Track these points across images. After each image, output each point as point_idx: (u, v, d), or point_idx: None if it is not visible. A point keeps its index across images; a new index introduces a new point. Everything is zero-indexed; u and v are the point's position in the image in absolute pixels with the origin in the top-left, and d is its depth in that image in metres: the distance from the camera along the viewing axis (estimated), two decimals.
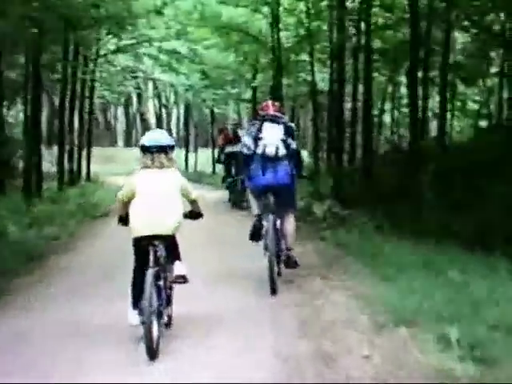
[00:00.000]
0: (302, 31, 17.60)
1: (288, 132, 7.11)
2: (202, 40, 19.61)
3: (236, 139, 14.18)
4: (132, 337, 5.23)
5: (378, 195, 12.09)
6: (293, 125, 7.46)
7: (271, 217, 6.87)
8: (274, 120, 7.13)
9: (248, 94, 27.04)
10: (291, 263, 7.09)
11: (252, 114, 22.33)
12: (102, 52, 23.45)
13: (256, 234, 7.19)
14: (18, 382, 4.47)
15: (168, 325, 5.49)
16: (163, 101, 56.88)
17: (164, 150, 5.40)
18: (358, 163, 15.20)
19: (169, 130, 62.39)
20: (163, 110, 59.25)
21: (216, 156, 16.44)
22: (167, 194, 5.30)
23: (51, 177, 18.30)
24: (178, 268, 5.34)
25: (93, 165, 24.83)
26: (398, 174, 12.38)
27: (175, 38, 20.84)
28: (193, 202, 5.70)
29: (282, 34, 17.80)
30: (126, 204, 5.37)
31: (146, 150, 5.41)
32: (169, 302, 5.46)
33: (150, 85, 40.03)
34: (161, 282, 5.16)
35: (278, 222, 6.97)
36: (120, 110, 52.95)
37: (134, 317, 5.20)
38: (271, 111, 7.29)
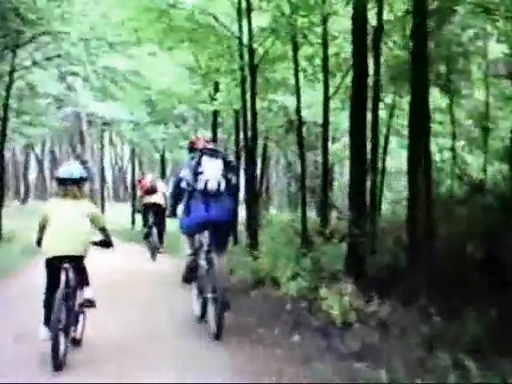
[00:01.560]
0: (281, 23, 11.59)
1: (228, 167, 6.86)
2: (135, 32, 12.87)
3: (153, 190, 14.11)
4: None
5: (452, 274, 6.25)
6: (232, 159, 7.57)
7: (214, 256, 6.49)
8: (213, 154, 6.85)
9: (207, 133, 21.23)
10: (225, 305, 6.30)
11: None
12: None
13: (190, 276, 6.92)
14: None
15: (77, 343, 5.95)
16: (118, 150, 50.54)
17: (76, 182, 5.90)
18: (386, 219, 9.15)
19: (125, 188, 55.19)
20: (116, 160, 52.88)
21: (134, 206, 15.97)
22: (76, 221, 5.79)
23: None
24: (87, 293, 5.85)
25: (24, 220, 20.14)
26: (487, 235, 6.52)
27: (102, 38, 14.86)
28: (103, 231, 6.12)
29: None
30: (42, 229, 5.86)
31: (60, 181, 5.91)
32: (77, 321, 5.89)
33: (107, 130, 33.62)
34: (70, 302, 5.59)
35: (218, 260, 6.50)
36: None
37: (44, 332, 5.61)
38: (208, 145, 7.06)
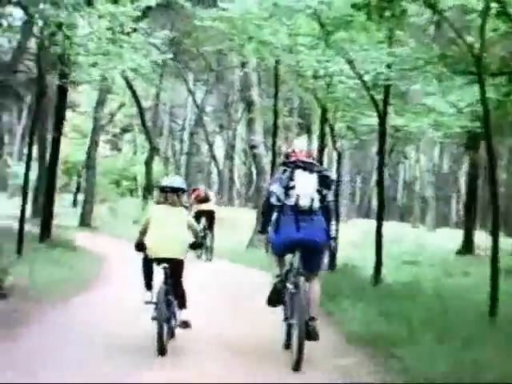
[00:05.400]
0: None
1: (324, 182, 6.40)
2: None
3: (207, 199, 15.93)
4: None
5: None
6: (330, 174, 6.59)
7: (302, 280, 6.16)
8: (307, 168, 6.43)
9: None
10: (313, 335, 6.12)
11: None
12: None
13: (275, 298, 6.53)
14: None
15: (172, 335, 6.65)
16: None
17: (176, 191, 6.74)
18: None
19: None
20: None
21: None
22: (176, 226, 6.58)
23: None
24: (183, 315, 6.71)
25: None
26: None
27: None
28: (195, 235, 7.00)
29: None
30: (144, 233, 6.68)
31: (162, 190, 6.83)
32: (174, 314, 6.64)
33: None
34: (169, 297, 6.43)
35: (307, 286, 6.20)
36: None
37: (147, 295, 6.69)
38: (303, 157, 6.58)
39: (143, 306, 6.65)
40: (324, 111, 13.03)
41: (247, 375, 5.67)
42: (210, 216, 15.82)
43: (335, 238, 6.94)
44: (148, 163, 32.63)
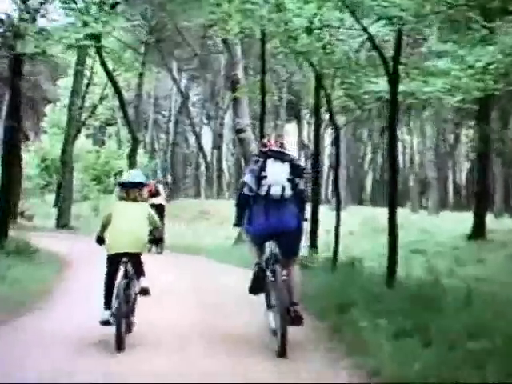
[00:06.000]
0: None
1: (295, 171, 6.48)
2: None
3: (157, 192, 16.79)
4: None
5: None
6: (301, 163, 6.94)
7: (278, 267, 6.21)
8: (278, 157, 6.49)
9: None
10: (296, 320, 6.19)
11: None
12: None
13: (257, 286, 6.52)
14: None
15: (129, 330, 6.45)
16: None
17: (136, 186, 6.72)
18: None
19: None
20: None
21: None
22: (136, 221, 6.54)
23: None
24: (142, 282, 6.54)
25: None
26: None
27: None
28: (156, 229, 6.99)
29: None
30: (105, 227, 6.64)
31: (122, 185, 6.81)
32: (133, 309, 6.57)
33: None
34: (128, 292, 6.37)
35: (285, 273, 6.28)
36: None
37: (104, 314, 6.34)
38: (275, 147, 6.59)
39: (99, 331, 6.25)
40: (319, 80, 10.99)
41: (233, 361, 5.68)
42: (160, 210, 15.85)
43: (306, 219, 6.73)
44: (131, 156, 30.89)
